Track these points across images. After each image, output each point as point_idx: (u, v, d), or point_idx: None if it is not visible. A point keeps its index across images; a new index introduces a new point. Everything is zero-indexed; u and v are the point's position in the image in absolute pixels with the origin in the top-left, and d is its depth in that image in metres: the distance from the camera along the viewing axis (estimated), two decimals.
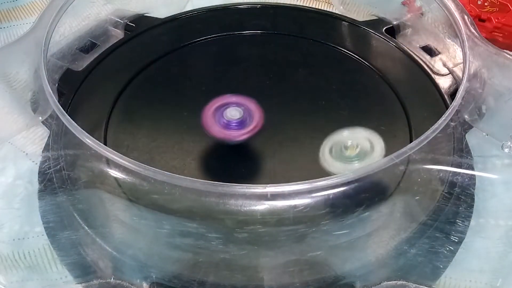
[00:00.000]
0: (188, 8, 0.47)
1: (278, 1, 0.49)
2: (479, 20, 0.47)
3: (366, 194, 0.30)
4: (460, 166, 0.34)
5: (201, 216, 0.29)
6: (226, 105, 0.34)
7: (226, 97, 0.34)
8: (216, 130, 0.33)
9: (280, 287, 0.30)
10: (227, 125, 0.33)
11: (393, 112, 0.37)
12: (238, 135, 0.33)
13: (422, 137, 0.30)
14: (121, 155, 0.28)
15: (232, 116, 0.33)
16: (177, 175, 0.27)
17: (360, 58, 0.41)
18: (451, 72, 0.40)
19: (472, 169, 0.36)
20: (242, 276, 0.30)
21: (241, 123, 0.33)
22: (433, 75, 0.40)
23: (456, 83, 0.39)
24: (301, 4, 0.52)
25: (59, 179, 0.33)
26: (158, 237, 0.31)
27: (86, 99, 0.38)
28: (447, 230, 0.33)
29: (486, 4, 0.48)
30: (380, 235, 0.32)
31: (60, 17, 0.38)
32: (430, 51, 0.42)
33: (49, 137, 0.36)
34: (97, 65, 0.41)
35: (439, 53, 0.42)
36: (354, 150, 0.31)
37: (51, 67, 0.38)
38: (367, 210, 0.30)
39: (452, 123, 0.33)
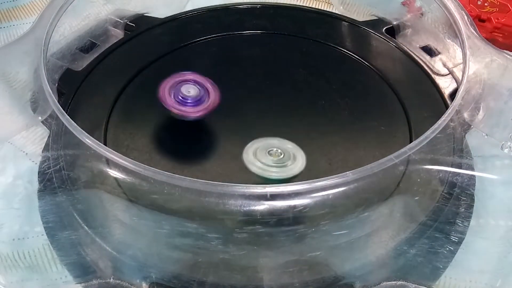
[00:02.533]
0: (188, 8, 0.47)
1: (278, 1, 0.49)
2: (479, 20, 0.47)
3: (365, 194, 0.30)
4: (460, 167, 0.34)
5: (201, 216, 0.29)
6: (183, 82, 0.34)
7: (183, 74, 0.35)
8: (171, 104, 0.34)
9: (280, 287, 0.30)
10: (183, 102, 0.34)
11: (393, 112, 0.37)
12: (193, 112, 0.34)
13: (422, 137, 0.30)
14: (121, 155, 0.28)
15: (188, 93, 0.34)
16: (177, 175, 0.27)
17: (360, 58, 0.41)
18: (451, 72, 0.40)
19: (472, 169, 0.36)
20: (241, 276, 0.30)
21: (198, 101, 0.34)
22: (433, 75, 0.40)
23: (456, 83, 0.39)
24: (301, 4, 0.52)
25: (58, 179, 0.33)
26: (157, 237, 0.31)
27: (86, 99, 0.38)
28: (447, 231, 0.33)
29: (486, 4, 0.48)
30: (380, 235, 0.32)
31: (60, 17, 0.38)
32: (430, 51, 0.42)
33: (49, 137, 0.36)
34: (97, 65, 0.41)
35: (439, 53, 0.42)
36: (277, 156, 0.32)
37: (51, 67, 0.38)
38: (366, 210, 0.30)
39: (452, 123, 0.33)
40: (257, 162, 0.31)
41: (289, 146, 0.32)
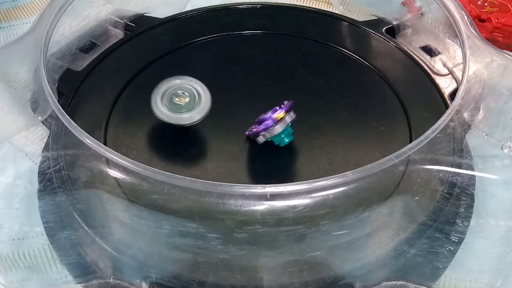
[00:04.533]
0: (188, 8, 0.47)
1: (278, 1, 0.49)
2: (479, 20, 0.47)
3: (365, 194, 0.30)
4: (460, 167, 0.34)
5: (201, 216, 0.29)
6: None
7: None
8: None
9: (280, 287, 0.30)
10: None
11: (393, 112, 0.37)
12: None
13: (421, 137, 0.30)
14: (121, 155, 0.28)
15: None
16: (177, 175, 0.27)
17: (360, 58, 0.41)
18: (451, 72, 0.40)
19: (472, 169, 0.36)
20: (241, 276, 0.30)
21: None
22: (433, 75, 0.40)
23: (456, 83, 0.39)
24: (301, 4, 0.52)
25: (58, 179, 0.33)
26: (157, 237, 0.31)
27: (86, 99, 0.38)
28: (447, 231, 0.33)
29: (486, 4, 0.48)
30: (380, 235, 0.32)
31: (60, 17, 0.38)
32: (430, 51, 0.42)
33: (48, 137, 0.36)
34: (97, 65, 0.41)
35: (439, 53, 0.42)
36: (184, 99, 0.33)
37: (51, 67, 0.38)
38: (366, 210, 0.30)
39: (452, 123, 0.33)
40: (167, 112, 0.33)
41: (192, 84, 0.34)
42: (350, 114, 0.37)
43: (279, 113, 0.32)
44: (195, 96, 0.34)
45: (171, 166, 0.34)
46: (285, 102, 0.33)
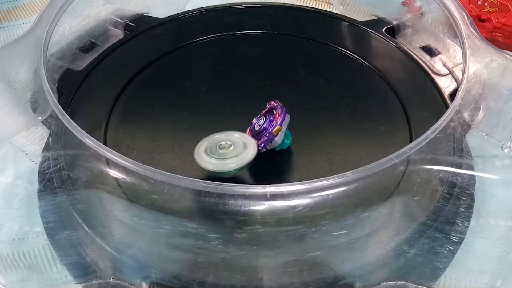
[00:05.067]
0: (188, 8, 0.47)
1: (278, 1, 0.49)
2: (479, 20, 0.47)
3: (365, 194, 0.30)
4: (460, 167, 0.34)
5: (201, 216, 0.29)
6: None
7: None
8: None
9: (280, 287, 0.30)
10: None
11: (393, 112, 0.37)
12: None
13: (422, 137, 0.30)
14: (121, 155, 0.28)
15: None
16: (177, 175, 0.27)
17: (360, 58, 0.41)
18: (451, 72, 0.40)
19: (472, 169, 0.36)
20: (241, 277, 0.30)
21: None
22: (433, 75, 0.40)
23: (456, 83, 0.39)
24: (301, 4, 0.52)
25: (58, 179, 0.33)
26: (157, 237, 0.31)
27: (86, 99, 0.38)
28: (447, 231, 0.33)
29: (486, 4, 0.48)
30: (380, 235, 0.32)
31: (60, 17, 0.38)
32: (430, 51, 0.42)
33: (49, 137, 0.36)
34: (97, 65, 0.41)
35: (439, 53, 0.42)
36: (228, 149, 0.32)
37: (51, 67, 0.38)
38: (366, 211, 0.30)
39: (452, 123, 0.33)
40: (213, 160, 0.31)
41: (236, 136, 0.33)
42: (350, 114, 0.37)
43: (276, 128, 0.32)
44: (240, 145, 0.33)
45: (171, 166, 0.34)
46: (277, 109, 0.33)
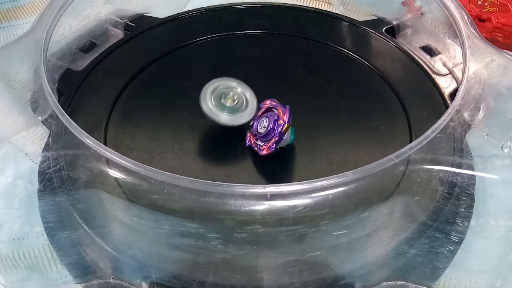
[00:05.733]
0: (188, 8, 0.47)
1: (278, 1, 0.49)
2: (479, 20, 0.47)
3: (365, 194, 0.30)
4: (460, 166, 0.34)
5: (201, 216, 0.29)
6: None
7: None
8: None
9: (280, 287, 0.30)
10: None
11: (393, 112, 0.37)
12: None
13: (422, 137, 0.30)
14: (121, 155, 0.28)
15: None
16: (177, 175, 0.27)
17: (360, 58, 0.41)
18: (451, 72, 0.40)
19: (472, 169, 0.36)
20: (241, 277, 0.30)
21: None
22: (433, 75, 0.40)
23: (456, 83, 0.39)
24: (301, 4, 0.52)
25: (58, 179, 0.33)
26: (157, 237, 0.31)
27: (86, 99, 0.38)
28: (447, 231, 0.33)
29: (486, 4, 0.48)
30: (380, 235, 0.32)
31: (60, 17, 0.38)
32: (430, 51, 0.42)
33: (49, 137, 0.36)
34: (97, 65, 0.41)
35: (439, 53, 0.42)
36: (232, 101, 0.33)
37: (51, 67, 0.38)
38: (366, 210, 0.30)
39: (452, 123, 0.33)
40: (210, 102, 0.33)
41: (247, 94, 0.34)
42: (350, 114, 0.37)
43: (285, 126, 0.32)
44: (243, 102, 0.34)
45: (171, 166, 0.34)
46: (279, 107, 0.33)
